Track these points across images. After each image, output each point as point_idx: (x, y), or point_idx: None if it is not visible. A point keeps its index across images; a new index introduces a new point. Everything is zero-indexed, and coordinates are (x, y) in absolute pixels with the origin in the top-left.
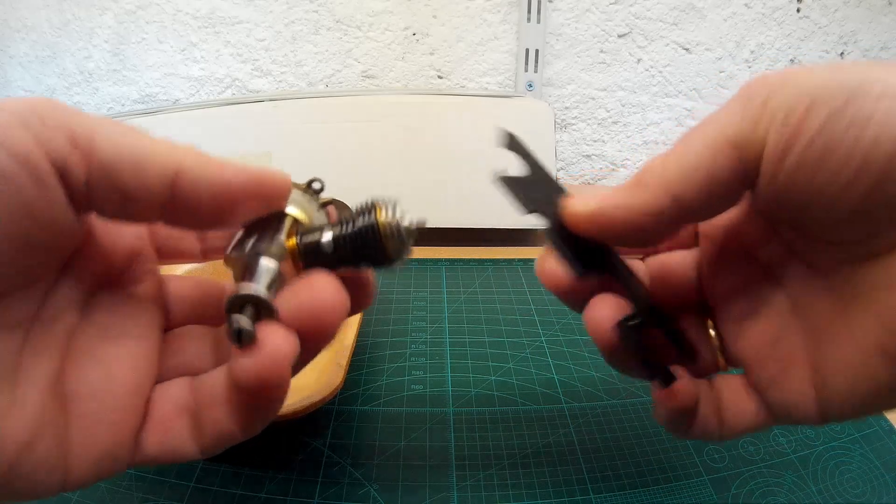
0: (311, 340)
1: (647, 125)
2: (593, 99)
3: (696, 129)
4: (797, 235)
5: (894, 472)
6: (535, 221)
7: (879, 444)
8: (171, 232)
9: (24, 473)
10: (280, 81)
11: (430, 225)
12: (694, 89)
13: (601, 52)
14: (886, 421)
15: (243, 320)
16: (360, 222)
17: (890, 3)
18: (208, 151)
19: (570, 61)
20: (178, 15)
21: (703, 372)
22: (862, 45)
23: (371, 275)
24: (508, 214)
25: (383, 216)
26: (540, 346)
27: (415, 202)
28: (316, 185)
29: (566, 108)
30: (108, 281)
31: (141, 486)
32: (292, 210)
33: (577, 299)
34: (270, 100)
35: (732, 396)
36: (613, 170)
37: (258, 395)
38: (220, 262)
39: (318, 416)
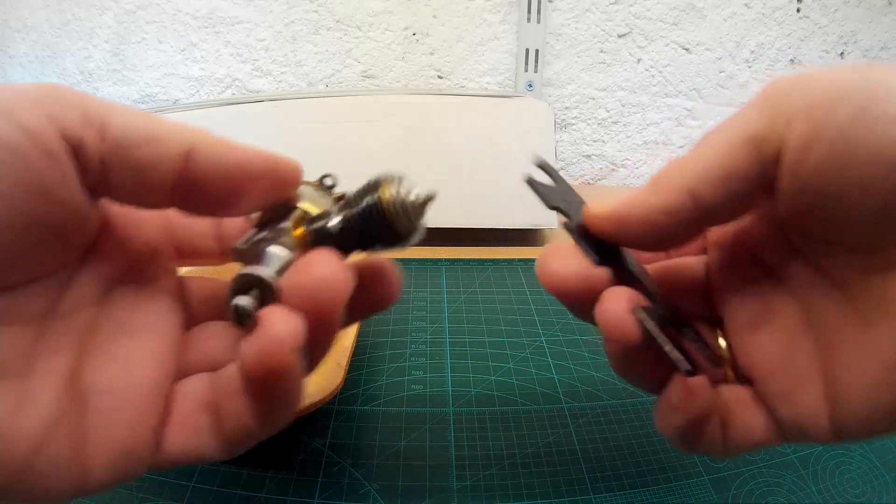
0: (315, 320)
1: (647, 125)
2: (593, 99)
3: (715, 130)
4: (812, 242)
5: (894, 472)
6: (535, 221)
7: (879, 444)
8: (188, 230)
9: (38, 474)
10: (280, 81)
11: (430, 225)
12: (694, 89)
13: (601, 52)
14: None
15: (244, 300)
16: (364, 202)
17: (890, 3)
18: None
19: (570, 61)
20: (178, 15)
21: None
22: (862, 45)
23: (392, 264)
24: (508, 214)
25: (388, 193)
26: (540, 346)
27: None
28: (328, 181)
29: (566, 108)
30: (126, 277)
31: (141, 486)
32: (304, 205)
33: (581, 299)
34: (270, 100)
35: (740, 410)
36: (613, 170)
37: (266, 382)
38: (220, 267)
39: (318, 416)
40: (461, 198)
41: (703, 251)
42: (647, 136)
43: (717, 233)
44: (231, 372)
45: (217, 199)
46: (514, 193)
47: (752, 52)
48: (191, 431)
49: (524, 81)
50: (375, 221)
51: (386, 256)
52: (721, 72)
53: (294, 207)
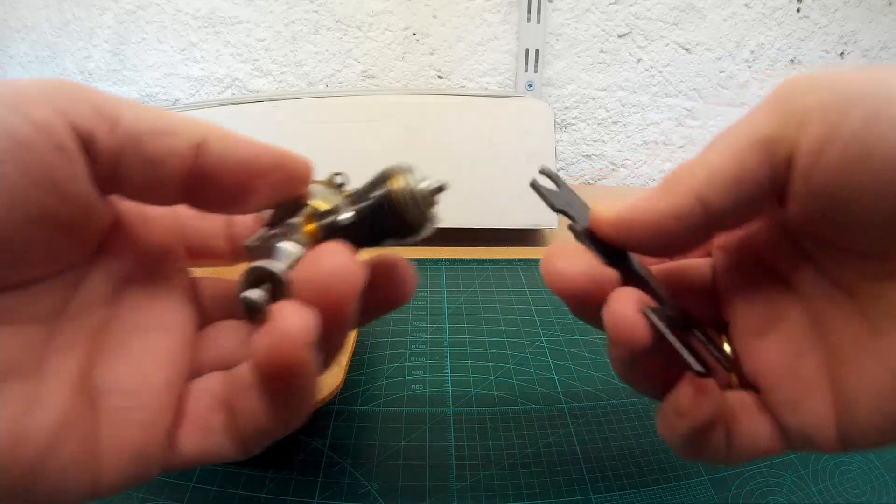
0: (328, 314)
1: (647, 125)
2: (593, 99)
3: (725, 133)
4: (822, 247)
5: (894, 472)
6: (535, 221)
7: None
8: (198, 230)
9: (49, 476)
10: (280, 81)
11: None
12: (694, 89)
13: (601, 52)
14: None
15: (254, 293)
16: (374, 194)
17: (890, 3)
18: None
19: (570, 61)
20: (178, 15)
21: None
22: (862, 45)
23: (405, 261)
24: (508, 214)
25: (398, 184)
26: (540, 346)
27: None
28: (338, 180)
29: (566, 108)
30: (137, 276)
31: (140, 485)
32: (314, 202)
33: (587, 300)
34: (270, 100)
35: (745, 417)
36: (613, 170)
37: (279, 378)
38: (231, 269)
39: (318, 416)
40: (461, 198)
41: (709, 253)
42: (647, 136)
43: (724, 236)
44: (244, 370)
45: (227, 194)
46: (514, 193)
47: (752, 52)
48: (205, 431)
49: (524, 81)
50: (386, 213)
51: (399, 254)
52: (721, 72)
53: (304, 205)
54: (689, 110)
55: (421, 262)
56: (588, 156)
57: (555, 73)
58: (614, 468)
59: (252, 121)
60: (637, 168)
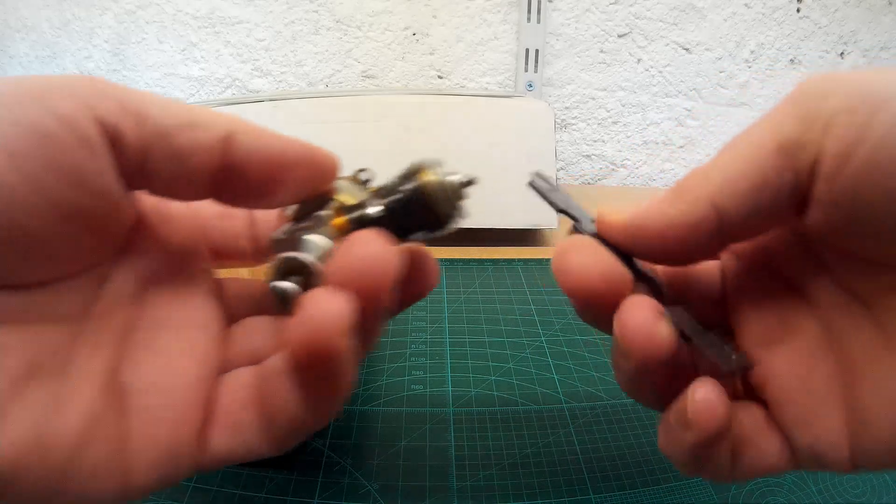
0: (364, 301)
1: (647, 125)
2: (593, 99)
3: (743, 135)
4: (839, 256)
5: (894, 472)
6: (535, 221)
7: None
8: (222, 230)
9: (79, 478)
10: (280, 81)
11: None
12: (694, 89)
13: (601, 52)
14: None
15: (285, 283)
16: (406, 187)
17: (890, 3)
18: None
19: (570, 61)
20: (178, 15)
21: None
22: (862, 45)
23: (430, 255)
24: (508, 214)
25: (428, 178)
26: (540, 346)
27: None
28: (364, 175)
29: (566, 108)
30: (162, 275)
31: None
32: (341, 197)
33: (600, 303)
34: (270, 100)
35: (752, 432)
36: (613, 170)
37: (315, 366)
38: (255, 269)
39: None
40: None
41: (717, 256)
42: (647, 136)
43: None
44: (276, 361)
45: (255, 188)
46: (514, 193)
47: (752, 52)
48: (237, 428)
49: (524, 81)
50: (417, 207)
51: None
52: (721, 72)
53: (330, 199)
54: (689, 110)
55: None
56: (588, 156)
57: (555, 73)
58: (614, 468)
59: (252, 121)
60: (637, 168)
